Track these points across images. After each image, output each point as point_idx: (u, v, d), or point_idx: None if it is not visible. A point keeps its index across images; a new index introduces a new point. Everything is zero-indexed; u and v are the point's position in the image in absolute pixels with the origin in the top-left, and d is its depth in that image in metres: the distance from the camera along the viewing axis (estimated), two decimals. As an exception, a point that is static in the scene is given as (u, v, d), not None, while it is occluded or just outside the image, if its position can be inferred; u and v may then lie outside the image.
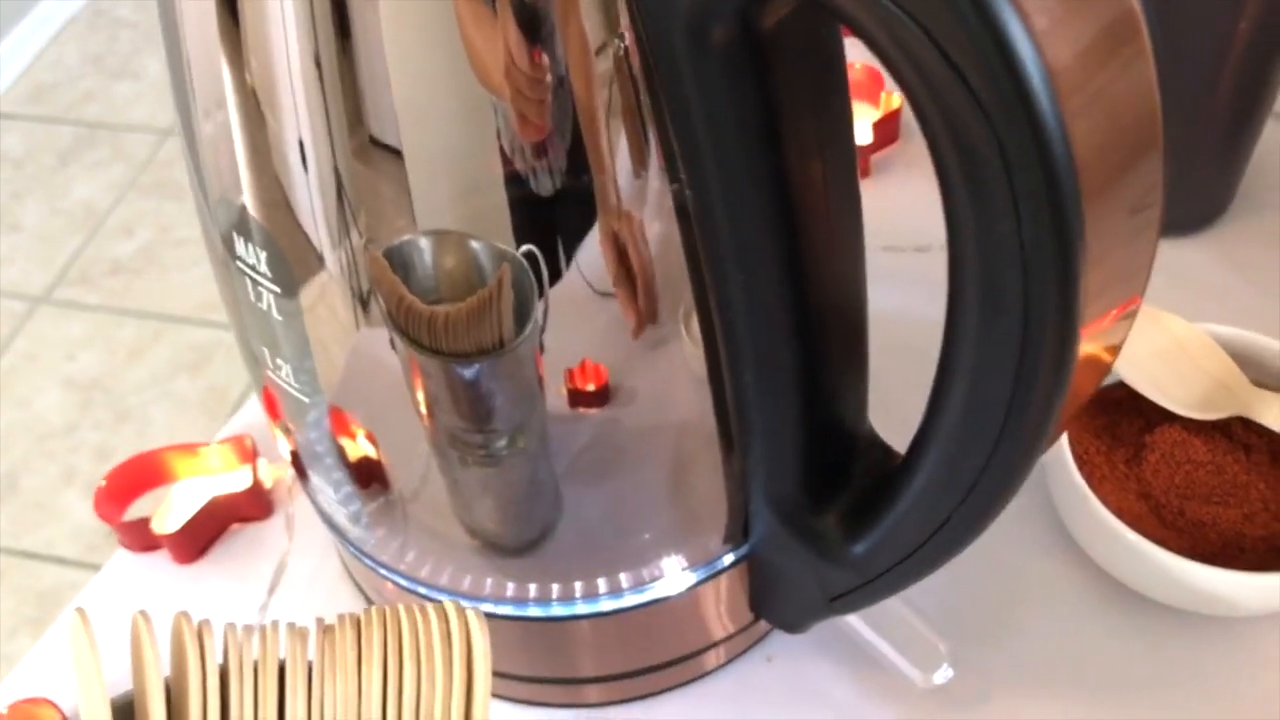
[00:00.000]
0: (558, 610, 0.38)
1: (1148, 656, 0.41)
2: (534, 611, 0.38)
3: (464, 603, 0.38)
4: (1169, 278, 0.52)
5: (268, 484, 0.47)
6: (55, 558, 1.32)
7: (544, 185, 0.27)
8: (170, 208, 1.67)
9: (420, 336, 0.30)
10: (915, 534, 0.31)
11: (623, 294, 0.30)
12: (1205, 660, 0.41)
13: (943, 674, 0.38)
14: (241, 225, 0.29)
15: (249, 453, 0.48)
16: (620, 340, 0.31)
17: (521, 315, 0.30)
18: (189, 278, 1.58)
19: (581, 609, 0.38)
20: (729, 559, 0.37)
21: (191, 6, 0.28)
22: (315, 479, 0.38)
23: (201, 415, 1.42)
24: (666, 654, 0.41)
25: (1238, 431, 0.43)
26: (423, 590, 0.39)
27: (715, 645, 0.41)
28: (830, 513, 0.34)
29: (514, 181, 0.27)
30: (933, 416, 0.28)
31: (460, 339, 0.30)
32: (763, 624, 0.42)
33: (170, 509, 0.48)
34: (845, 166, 0.28)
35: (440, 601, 0.25)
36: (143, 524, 0.46)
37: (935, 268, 0.24)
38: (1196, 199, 0.54)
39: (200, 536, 0.46)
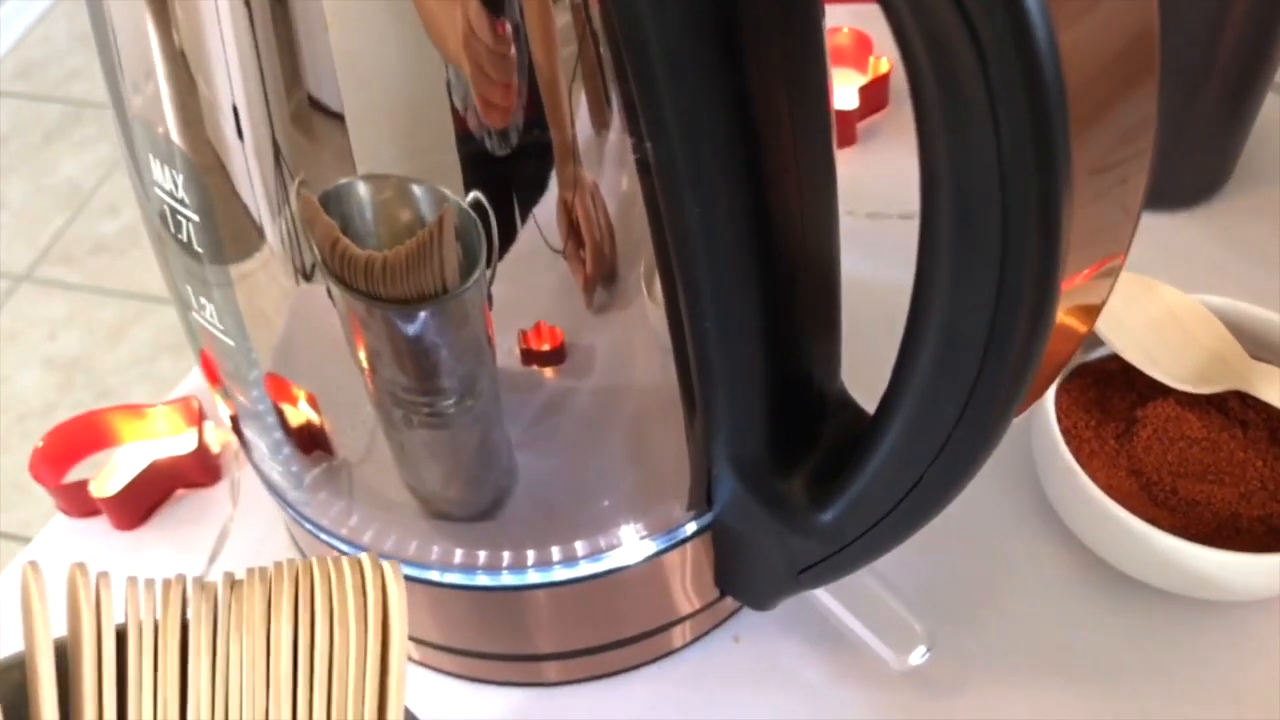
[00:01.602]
0: (509, 579, 0.36)
1: (1137, 642, 0.39)
2: (484, 580, 0.36)
3: (410, 569, 0.37)
4: (1165, 252, 0.50)
5: (214, 448, 0.45)
6: (29, 539, 1.29)
7: (496, 143, 0.25)
8: (156, 187, 1.65)
9: (357, 282, 0.28)
10: (885, 499, 0.29)
11: (576, 252, 0.28)
12: (1198, 646, 0.38)
13: (918, 655, 0.36)
14: (162, 150, 0.26)
15: (195, 415, 0.45)
16: (577, 302, 0.29)
17: (468, 264, 0.28)
18: (173, 258, 1.56)
19: (534, 578, 0.36)
20: (691, 528, 0.35)
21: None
22: (254, 440, 0.36)
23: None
24: (627, 630, 0.39)
25: (1234, 407, 0.40)
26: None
27: (679, 622, 0.39)
28: (797, 477, 0.31)
29: (465, 139, 0.25)
30: (903, 370, 0.25)
31: (400, 283, 0.28)
32: (729, 602, 0.39)
33: (113, 473, 0.45)
34: (817, 114, 0.26)
35: (357, 555, 0.23)
36: (80, 487, 0.43)
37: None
38: (1194, 172, 0.52)
39: (142, 502, 0.44)
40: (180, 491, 0.45)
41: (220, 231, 0.27)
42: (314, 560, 0.23)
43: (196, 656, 0.23)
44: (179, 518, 0.44)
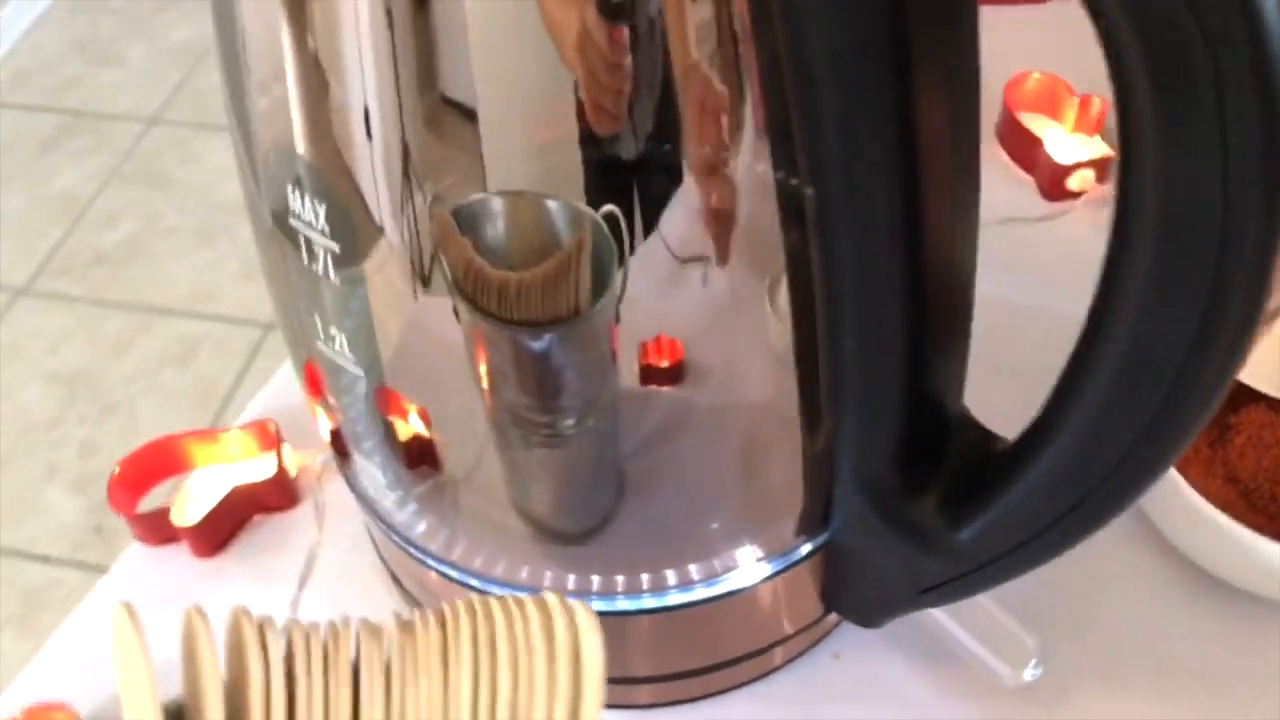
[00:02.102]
0: (623, 604, 0.35)
1: (1238, 651, 0.39)
2: (596, 606, 0.36)
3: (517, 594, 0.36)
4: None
5: (293, 471, 0.44)
6: (38, 555, 1.28)
7: (626, 147, 0.25)
8: (156, 197, 1.63)
9: (489, 304, 0.27)
10: (1033, 521, 0.29)
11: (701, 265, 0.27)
12: (1300, 654, 0.38)
13: (1031, 670, 0.36)
14: (297, 178, 0.26)
15: (272, 438, 0.45)
16: (698, 314, 0.29)
17: (599, 282, 0.27)
18: (176, 268, 1.54)
19: (648, 603, 0.35)
20: (805, 549, 0.35)
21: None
22: (359, 461, 0.35)
23: (189, 409, 1.38)
24: (727, 653, 0.38)
25: (1329, 412, 0.40)
26: (474, 582, 0.36)
27: (778, 643, 0.39)
28: (927, 497, 0.31)
29: (590, 142, 0.24)
30: (1069, 392, 0.25)
31: (533, 307, 0.27)
32: (829, 619, 0.39)
33: (189, 499, 0.45)
34: (970, 119, 0.25)
35: (541, 594, 0.23)
36: (160, 515, 0.43)
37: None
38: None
39: (221, 528, 0.43)
40: (258, 517, 0.45)
41: (358, 258, 0.27)
42: (493, 600, 0.23)
43: (370, 703, 0.23)
44: (259, 544, 0.44)
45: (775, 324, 0.29)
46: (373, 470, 0.35)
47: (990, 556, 0.30)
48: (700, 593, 0.35)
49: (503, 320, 0.28)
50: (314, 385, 0.34)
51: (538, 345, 0.29)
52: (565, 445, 0.31)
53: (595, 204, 0.25)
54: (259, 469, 0.44)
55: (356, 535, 0.43)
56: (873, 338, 0.28)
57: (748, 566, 0.34)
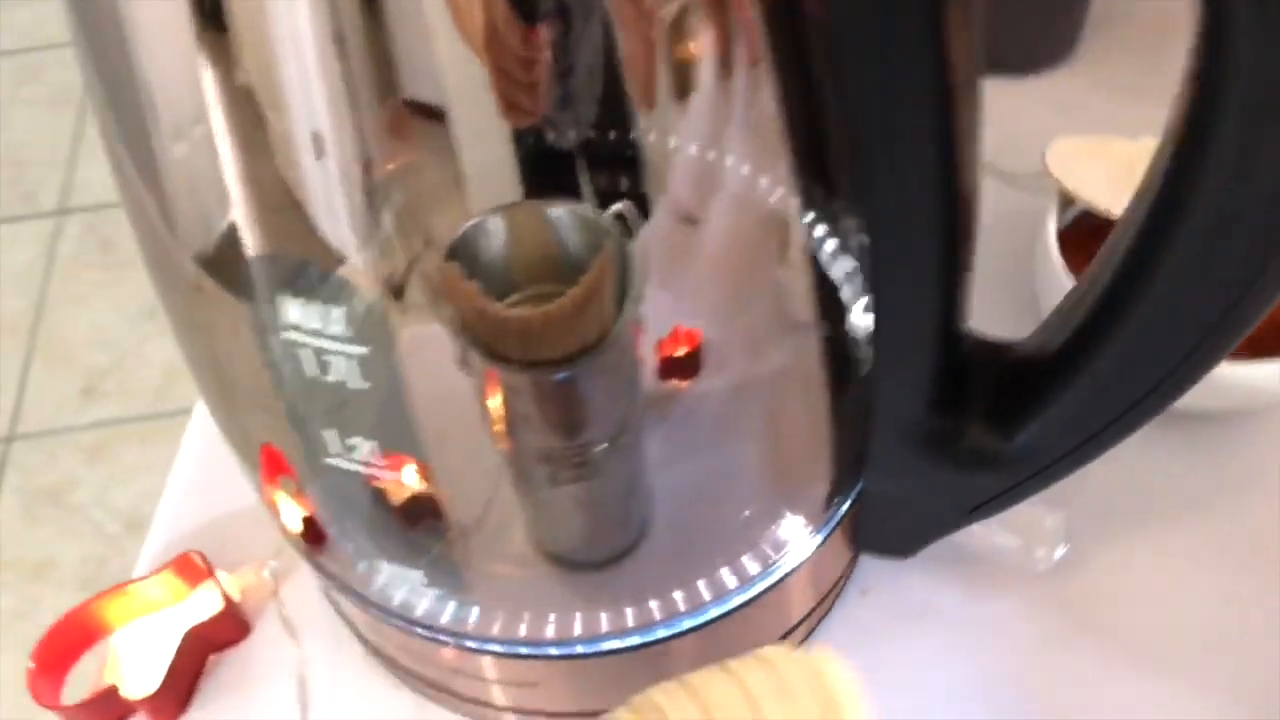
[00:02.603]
0: (660, 632, 0.33)
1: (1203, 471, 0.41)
2: (633, 640, 0.34)
3: (551, 650, 0.34)
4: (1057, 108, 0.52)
5: (237, 597, 0.40)
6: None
7: (615, 142, 0.23)
8: None
9: (508, 349, 0.25)
10: (1094, 414, 0.29)
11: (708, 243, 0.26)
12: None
13: (1059, 549, 0.37)
14: (319, 290, 0.22)
15: (201, 570, 0.40)
16: (705, 297, 0.27)
17: (624, 291, 0.25)
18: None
19: (688, 623, 0.33)
20: (841, 511, 0.34)
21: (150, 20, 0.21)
22: (346, 545, 0.32)
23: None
24: (767, 640, 0.37)
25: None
26: (496, 648, 0.33)
27: (814, 609, 0.38)
28: (970, 419, 0.31)
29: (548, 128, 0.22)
30: (1139, 270, 0.25)
31: (560, 340, 0.25)
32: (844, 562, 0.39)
33: (118, 665, 0.39)
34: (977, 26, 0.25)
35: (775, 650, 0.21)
36: (106, 695, 0.37)
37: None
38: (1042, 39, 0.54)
39: (181, 685, 0.38)
40: (210, 659, 0.40)
41: (389, 351, 0.23)
42: (735, 665, 0.21)
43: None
44: (228, 687, 0.39)
45: (795, 279, 0.28)
46: (369, 549, 0.31)
47: (1047, 459, 0.31)
48: (740, 597, 0.33)
49: (525, 364, 0.25)
50: (273, 472, 0.30)
51: (565, 379, 0.26)
52: (597, 473, 0.29)
53: (598, 202, 0.23)
54: (194, 609, 0.39)
55: (336, 638, 0.39)
56: (915, 272, 0.27)
57: (789, 549, 0.33)
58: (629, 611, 0.33)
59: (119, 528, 1.29)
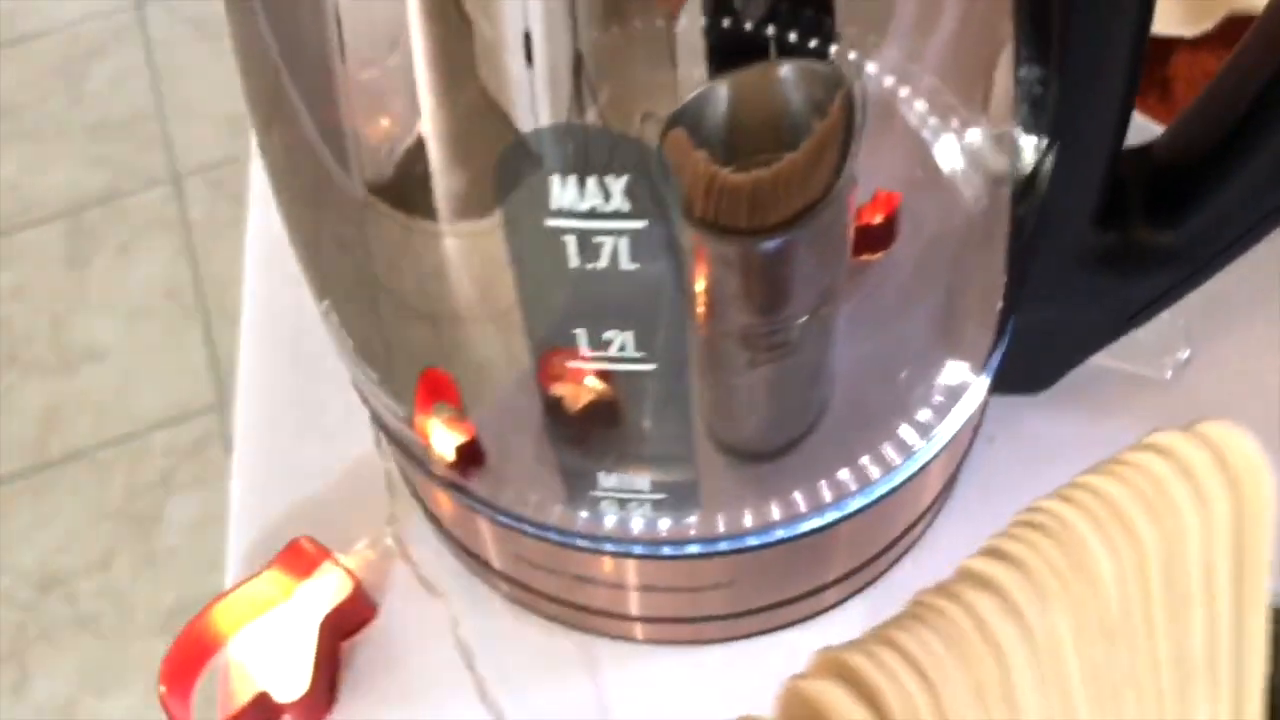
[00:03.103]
0: (821, 519, 0.32)
1: None
2: (780, 535, 0.32)
3: (724, 546, 0.33)
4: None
5: (361, 576, 0.37)
6: None
7: None
8: None
9: (736, 218, 0.23)
10: (1262, 200, 0.29)
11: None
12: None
13: (1182, 355, 0.37)
14: (587, 160, 0.20)
15: (313, 556, 0.37)
16: (897, 152, 0.26)
17: (846, 145, 0.24)
18: None
19: (855, 504, 0.32)
20: (997, 356, 0.33)
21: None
22: (514, 469, 0.30)
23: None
24: (923, 503, 0.37)
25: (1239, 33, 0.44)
26: (667, 550, 0.32)
27: (957, 470, 0.38)
28: (1134, 221, 0.31)
29: None
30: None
31: (789, 200, 0.24)
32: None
33: (244, 671, 0.36)
34: None
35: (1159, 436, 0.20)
36: (259, 702, 0.34)
37: None
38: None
39: (326, 678, 0.36)
40: (343, 646, 0.37)
41: (656, 224, 0.21)
42: (1129, 457, 0.20)
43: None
44: (366, 671, 0.36)
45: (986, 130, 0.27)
46: (537, 464, 0.29)
47: (1211, 249, 0.31)
48: (912, 465, 0.32)
49: (751, 231, 0.24)
50: (432, 399, 0.28)
51: (789, 240, 0.25)
52: (796, 348, 0.28)
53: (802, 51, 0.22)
54: (314, 599, 0.37)
55: (473, 594, 0.37)
56: (1104, 96, 0.26)
57: (956, 407, 0.33)
58: (802, 497, 0.32)
59: (31, 591, 1.21)
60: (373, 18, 0.21)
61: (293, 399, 0.42)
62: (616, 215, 0.21)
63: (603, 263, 0.21)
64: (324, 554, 0.37)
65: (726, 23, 0.21)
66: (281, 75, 0.23)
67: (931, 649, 0.20)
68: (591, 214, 0.21)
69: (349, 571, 0.36)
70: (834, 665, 0.19)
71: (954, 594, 0.20)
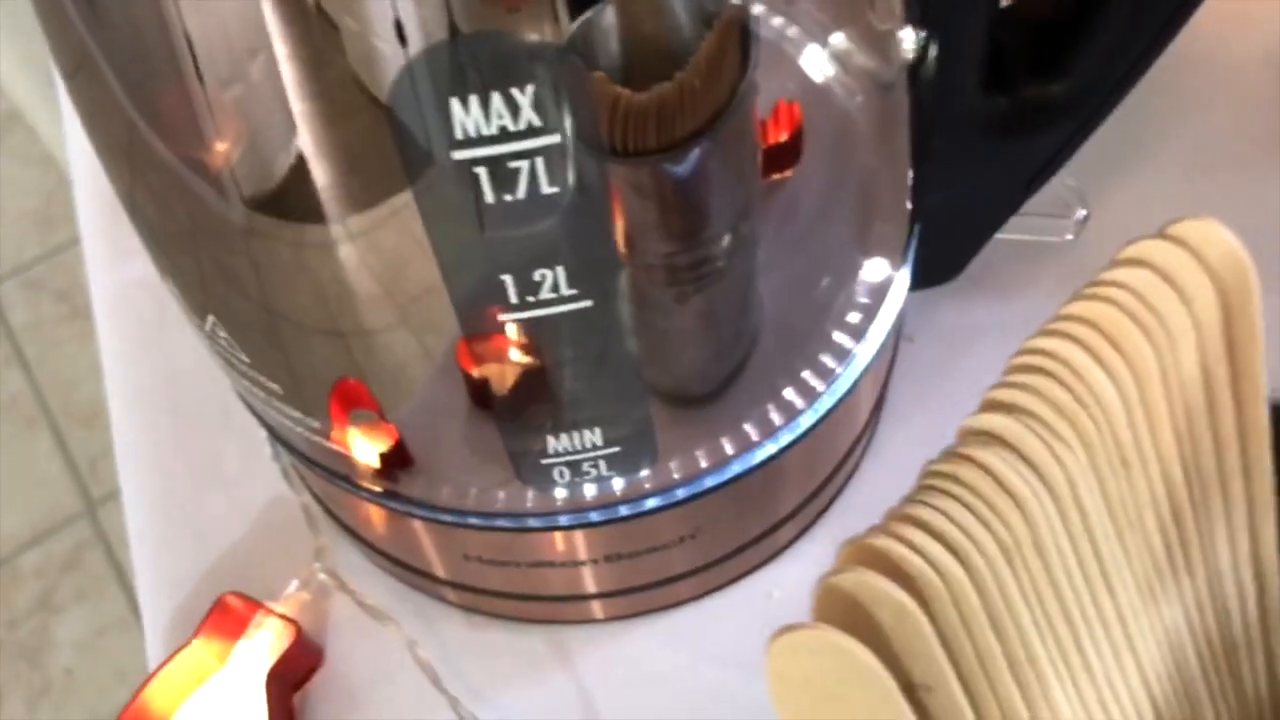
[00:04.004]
0: (783, 439, 0.31)
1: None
2: (770, 447, 0.31)
3: (682, 493, 0.31)
4: None
5: (301, 623, 0.34)
6: None
7: None
8: None
9: (644, 140, 0.22)
10: (1131, 42, 0.29)
11: None
12: None
13: (1079, 216, 0.37)
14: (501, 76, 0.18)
15: (242, 612, 0.34)
16: (788, 65, 0.25)
17: (744, 53, 0.23)
18: None
19: (806, 420, 0.31)
20: (912, 250, 0.33)
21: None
22: (449, 463, 0.28)
23: None
24: (862, 414, 0.36)
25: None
26: (624, 510, 0.30)
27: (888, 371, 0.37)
28: (1020, 80, 0.30)
29: None
30: None
31: (695, 112, 0.22)
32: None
33: (194, 755, 0.33)
34: None
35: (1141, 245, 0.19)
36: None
37: None
38: None
39: (283, 737, 0.33)
40: (296, 699, 0.34)
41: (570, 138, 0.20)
42: (1107, 276, 0.19)
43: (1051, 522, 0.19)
44: (331, 713, 0.34)
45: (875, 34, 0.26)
46: (485, 435, 0.27)
47: (1096, 98, 0.31)
48: (849, 375, 0.31)
49: (661, 149, 0.22)
50: (348, 409, 0.26)
51: (704, 153, 0.23)
52: (724, 273, 0.27)
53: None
54: (253, 658, 0.34)
55: (423, 614, 0.35)
56: None
57: (884, 310, 0.32)
58: (753, 427, 0.31)
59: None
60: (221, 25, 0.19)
61: (181, 454, 0.39)
62: (529, 133, 0.19)
63: (521, 192, 0.20)
64: (254, 606, 0.34)
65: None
66: (131, 108, 0.20)
67: (955, 517, 0.18)
68: (502, 135, 0.19)
69: (286, 618, 0.34)
70: (863, 554, 0.18)
71: (965, 456, 0.19)
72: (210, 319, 0.26)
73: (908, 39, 0.27)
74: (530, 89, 0.19)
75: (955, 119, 0.30)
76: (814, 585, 0.18)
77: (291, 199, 0.22)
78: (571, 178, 0.20)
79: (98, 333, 0.42)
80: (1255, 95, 0.42)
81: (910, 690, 0.18)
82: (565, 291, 0.22)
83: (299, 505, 0.36)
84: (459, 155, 0.19)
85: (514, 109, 0.19)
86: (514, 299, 0.22)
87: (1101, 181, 0.39)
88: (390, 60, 0.19)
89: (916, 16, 0.27)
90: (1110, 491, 0.20)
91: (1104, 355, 0.19)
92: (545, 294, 0.22)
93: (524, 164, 0.19)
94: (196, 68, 0.20)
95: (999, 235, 0.37)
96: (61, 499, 1.24)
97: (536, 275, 0.21)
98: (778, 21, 0.24)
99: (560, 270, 0.21)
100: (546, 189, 0.20)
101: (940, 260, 0.36)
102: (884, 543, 0.18)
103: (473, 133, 0.19)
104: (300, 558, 0.36)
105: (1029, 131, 0.31)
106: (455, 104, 0.18)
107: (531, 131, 0.19)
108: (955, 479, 0.19)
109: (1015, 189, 0.33)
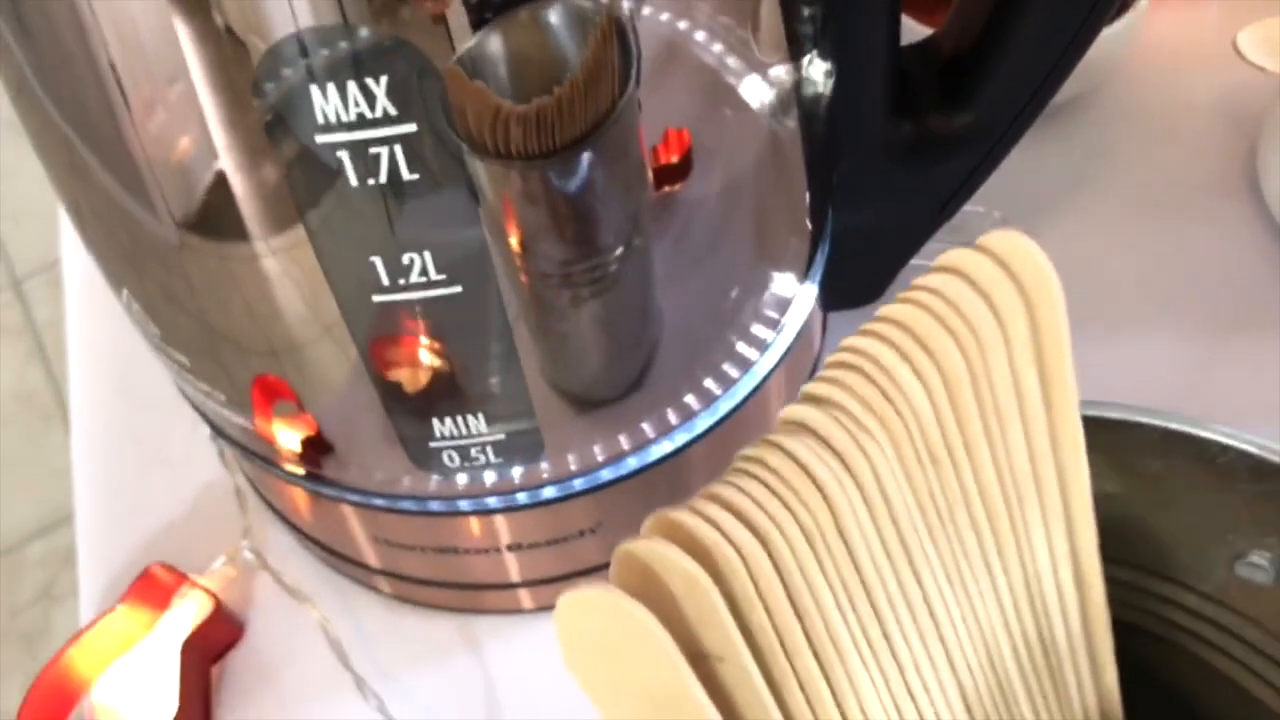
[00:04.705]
0: (679, 438, 0.32)
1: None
2: (666, 445, 0.32)
3: (579, 484, 0.32)
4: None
5: (223, 596, 0.36)
6: None
7: None
8: None
9: (528, 146, 0.23)
10: (1032, 73, 0.30)
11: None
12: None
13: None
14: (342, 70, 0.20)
15: (169, 584, 0.35)
16: (684, 91, 0.26)
17: (625, 68, 0.24)
18: None
19: (703, 423, 0.32)
20: (819, 269, 0.34)
21: None
22: (363, 449, 0.29)
23: None
24: (767, 427, 0.37)
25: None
26: (551, 492, 0.31)
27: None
28: (926, 109, 0.32)
29: None
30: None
31: (575, 122, 0.24)
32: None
33: (110, 716, 0.34)
34: None
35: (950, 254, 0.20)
36: (127, 738, 0.33)
37: None
38: None
39: (196, 707, 0.34)
40: (214, 671, 0.36)
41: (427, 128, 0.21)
42: (922, 281, 0.20)
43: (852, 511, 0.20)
44: (242, 691, 0.35)
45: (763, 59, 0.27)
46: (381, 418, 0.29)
47: (999, 127, 0.32)
48: (748, 382, 0.33)
49: (541, 155, 0.24)
50: (270, 400, 0.28)
51: (588, 162, 0.25)
52: (617, 280, 0.28)
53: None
54: (174, 627, 0.35)
55: (342, 595, 0.36)
56: None
57: (784, 325, 0.33)
58: (650, 425, 0.32)
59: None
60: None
61: (130, 434, 0.40)
62: (385, 120, 0.20)
63: (383, 176, 0.21)
64: (180, 579, 0.35)
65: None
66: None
67: (758, 498, 0.19)
68: (361, 122, 0.20)
69: (208, 591, 0.35)
70: (663, 525, 0.19)
71: (773, 443, 0.20)
72: (125, 292, 0.27)
73: (807, 66, 0.29)
74: (384, 79, 0.20)
75: (862, 145, 0.32)
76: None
77: (206, 209, 0.24)
78: (432, 163, 0.22)
79: (66, 313, 0.44)
80: (1188, 143, 0.43)
81: (702, 660, 0.19)
82: (434, 276, 0.23)
83: (233, 487, 0.38)
84: (321, 138, 0.21)
85: (369, 98, 0.20)
86: (384, 279, 0.23)
87: (1028, 216, 0.40)
88: (258, 50, 0.20)
89: (810, 44, 0.28)
90: (919, 485, 0.21)
91: (912, 356, 0.20)
92: (415, 277, 0.23)
93: (383, 150, 0.21)
94: (121, 89, 0.22)
95: (918, 261, 0.38)
96: (69, 494, 1.27)
97: (405, 258, 0.23)
98: (678, 40, 0.25)
99: (428, 255, 0.23)
100: (406, 175, 0.21)
101: (860, 282, 0.37)
102: (682, 516, 0.19)
103: (333, 119, 0.20)
104: (230, 537, 0.37)
105: (935, 159, 0.32)
106: (314, 90, 0.20)
107: (387, 119, 0.20)
108: (762, 463, 0.20)
109: (928, 214, 0.34)
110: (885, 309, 0.21)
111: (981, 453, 0.21)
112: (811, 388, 0.21)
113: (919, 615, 0.21)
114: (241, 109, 0.21)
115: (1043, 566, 0.22)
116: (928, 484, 0.21)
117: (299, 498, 0.34)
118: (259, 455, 0.32)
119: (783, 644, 0.20)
